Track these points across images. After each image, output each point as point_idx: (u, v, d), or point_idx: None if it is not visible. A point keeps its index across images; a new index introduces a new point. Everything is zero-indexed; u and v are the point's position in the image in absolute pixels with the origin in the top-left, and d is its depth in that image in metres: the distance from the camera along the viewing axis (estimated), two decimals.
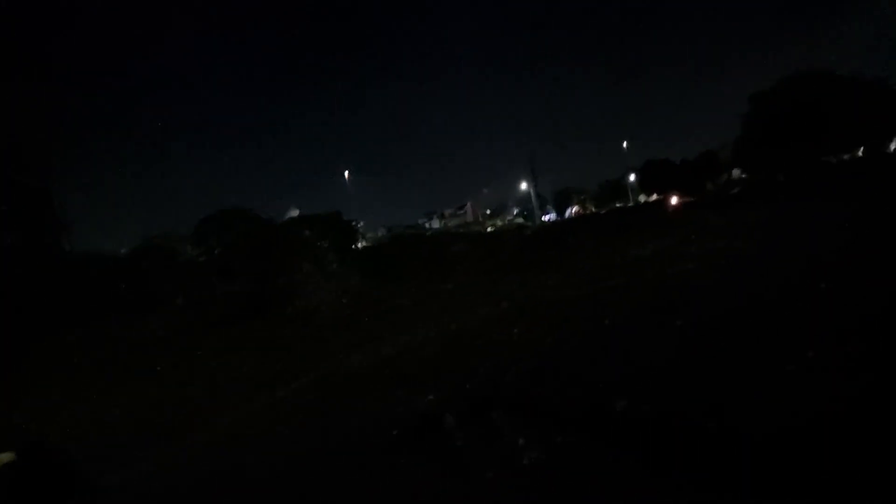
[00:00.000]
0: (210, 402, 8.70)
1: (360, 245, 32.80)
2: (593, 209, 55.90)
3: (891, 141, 35.06)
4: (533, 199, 60.80)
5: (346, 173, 51.71)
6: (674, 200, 33.77)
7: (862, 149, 35.26)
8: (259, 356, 11.55)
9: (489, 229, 47.61)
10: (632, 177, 55.91)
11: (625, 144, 78.60)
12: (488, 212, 72.75)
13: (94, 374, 13.73)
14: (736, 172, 43.72)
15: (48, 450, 7.73)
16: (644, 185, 51.27)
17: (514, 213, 67.86)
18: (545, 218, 57.82)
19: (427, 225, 63.60)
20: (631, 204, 50.04)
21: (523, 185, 63.16)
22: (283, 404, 7.89)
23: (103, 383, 12.14)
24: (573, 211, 59.81)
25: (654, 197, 44.98)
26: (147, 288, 23.70)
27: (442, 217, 69.76)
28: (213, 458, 6.33)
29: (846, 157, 35.03)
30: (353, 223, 34.28)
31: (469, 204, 72.46)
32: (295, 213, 44.26)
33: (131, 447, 7.22)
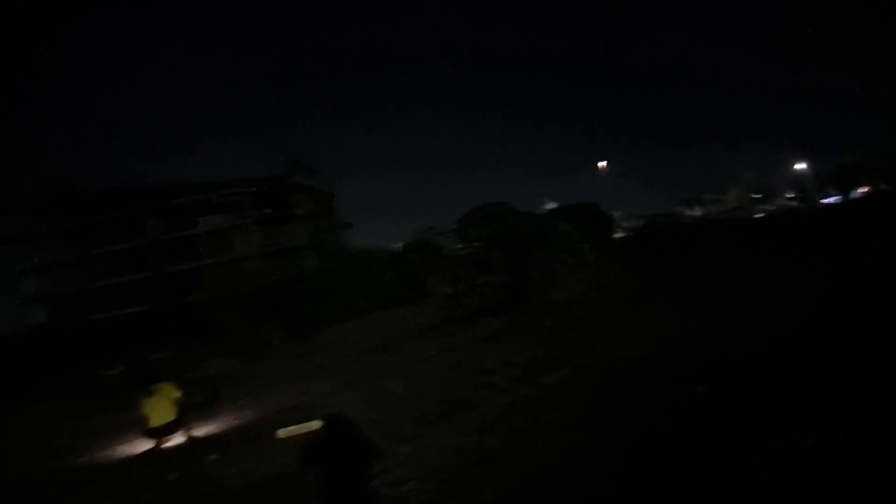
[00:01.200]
0: (478, 387, 9.35)
1: (616, 235, 32.28)
2: (884, 187, 48.56)
3: None
4: (807, 179, 54.69)
5: (604, 163, 51.13)
6: None
7: None
8: (519, 345, 12.07)
9: (757, 215, 43.86)
10: None
11: None
12: (755, 196, 66.95)
13: (375, 358, 15.44)
14: None
15: (347, 420, 9.01)
16: None
17: (786, 195, 61.60)
18: (827, 200, 51.61)
19: (686, 212, 60.46)
20: None
21: (798, 165, 57.03)
22: (549, 391, 8.21)
23: (382, 366, 13.63)
24: (861, 191, 52.57)
25: None
26: (417, 279, 25.80)
27: (702, 203, 65.82)
28: (481, 441, 6.84)
29: None
30: (610, 213, 33.83)
31: (733, 188, 67.31)
32: (552, 205, 44.82)
33: (410, 425, 8.05)
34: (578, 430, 6.34)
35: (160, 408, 10.33)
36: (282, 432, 8.96)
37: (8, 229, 51.94)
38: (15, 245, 51.91)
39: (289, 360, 19.26)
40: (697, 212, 62.51)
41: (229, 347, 22.43)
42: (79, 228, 50.27)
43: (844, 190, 54.85)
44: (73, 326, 39.99)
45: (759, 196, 66.13)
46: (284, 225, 48.47)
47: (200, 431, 10.80)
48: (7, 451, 12.43)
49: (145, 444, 10.40)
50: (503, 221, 31.39)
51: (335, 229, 53.01)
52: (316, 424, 8.95)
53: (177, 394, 10.62)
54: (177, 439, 10.38)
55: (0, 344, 37.35)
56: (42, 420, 16.89)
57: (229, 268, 43.26)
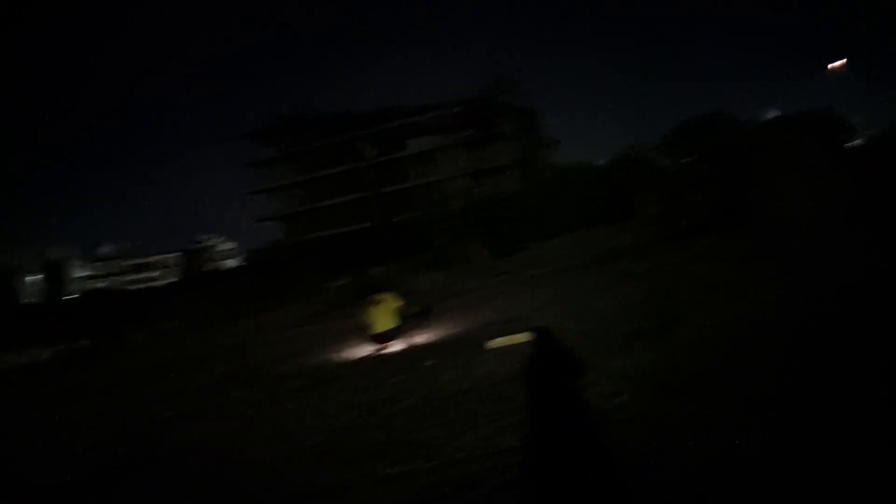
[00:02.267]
0: (690, 306, 8.95)
1: (853, 144, 28.55)
2: None
3: None
4: None
5: (839, 63, 44.99)
6: None
7: None
8: (734, 265, 11.30)
9: None
10: None
11: None
12: None
13: (580, 275, 15.35)
14: None
15: (554, 334, 9.15)
16: None
17: None
18: None
19: None
20: None
21: None
22: (770, 312, 7.64)
23: (588, 284, 13.52)
24: None
25: None
26: (624, 197, 24.99)
27: None
28: (694, 359, 6.58)
29: None
30: (845, 120, 29.89)
31: None
32: (774, 114, 40.86)
33: (620, 340, 7.95)
34: (801, 355, 5.84)
35: (383, 316, 11.24)
36: (491, 343, 9.30)
37: (244, 155, 58.22)
38: (251, 169, 58.19)
39: (495, 276, 19.83)
40: None
41: (439, 264, 23.59)
42: (304, 153, 55.04)
43: None
44: (301, 243, 44.33)
45: None
46: (489, 145, 49.15)
47: (417, 340, 11.57)
48: (255, 352, 14.25)
49: (368, 349, 11.40)
50: (717, 134, 29.14)
51: (539, 147, 52.65)
52: (524, 337, 9.18)
53: (397, 304, 11.46)
54: (396, 346, 11.25)
55: (244, 259, 42.67)
56: (281, 325, 19.12)
57: (436, 188, 45.06)
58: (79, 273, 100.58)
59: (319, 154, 54.38)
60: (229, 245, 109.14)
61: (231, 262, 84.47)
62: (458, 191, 32.78)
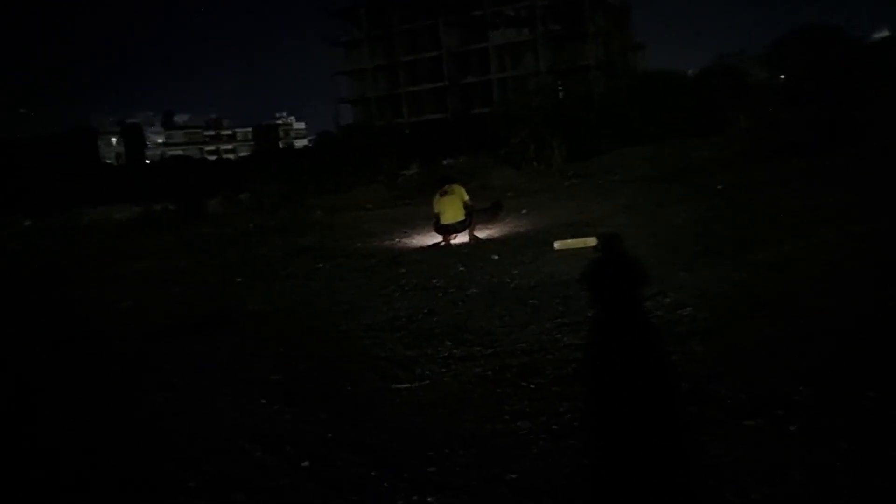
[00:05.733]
0: (771, 227, 8.70)
1: None
2: None
3: None
4: None
5: None
6: None
7: None
8: (827, 189, 10.80)
9: None
10: None
11: None
12: None
13: (657, 186, 14.97)
14: None
15: (623, 241, 9.08)
16: None
17: None
18: None
19: None
20: None
21: None
22: (857, 241, 7.36)
23: (665, 195, 13.19)
24: None
25: None
26: (713, 109, 23.89)
27: None
28: (767, 280, 6.46)
29: None
30: None
31: None
32: (886, 34, 37.99)
33: (691, 254, 7.83)
34: (882, 288, 5.66)
35: (452, 207, 11.31)
36: (558, 244, 9.31)
37: (326, 35, 57.64)
38: (332, 49, 57.75)
39: (569, 178, 19.53)
40: None
41: (512, 161, 23.33)
42: (386, 36, 54.09)
43: None
44: (376, 128, 44.42)
45: None
46: (575, 43, 47.14)
47: (483, 234, 11.68)
48: (326, 230, 14.66)
49: (436, 239, 11.59)
50: (823, 49, 27.21)
51: (627, 49, 50.21)
52: (592, 241, 9.16)
53: (466, 196, 11.49)
54: (463, 238, 11.39)
55: (320, 139, 43.08)
56: (351, 207, 19.52)
57: (517, 83, 43.90)
58: (156, 139, 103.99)
59: (401, 39, 53.38)
60: (300, 125, 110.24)
61: (301, 142, 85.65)
62: (538, 88, 31.78)
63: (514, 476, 3.34)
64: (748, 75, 27.45)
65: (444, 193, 11.51)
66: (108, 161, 77.33)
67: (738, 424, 3.59)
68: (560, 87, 36.93)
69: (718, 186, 13.13)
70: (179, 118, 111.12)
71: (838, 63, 24.60)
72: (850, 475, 2.95)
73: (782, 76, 29.02)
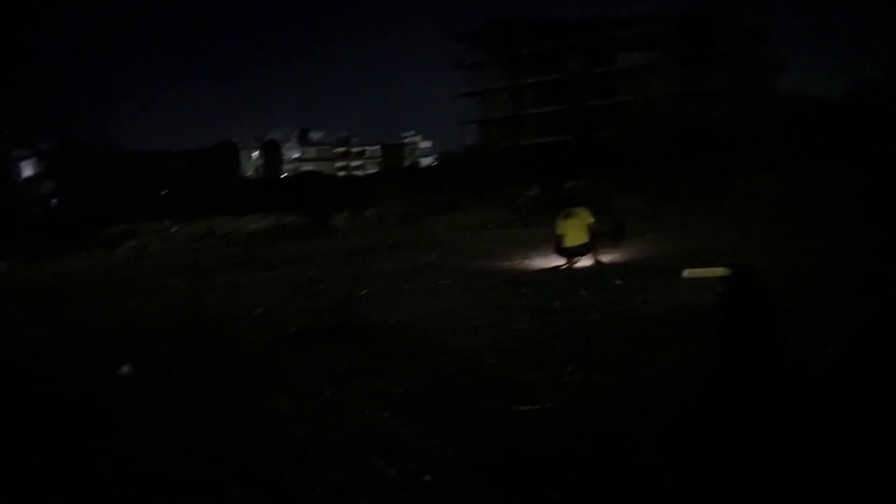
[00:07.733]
0: None
1: None
2: None
3: None
4: None
5: None
6: None
7: None
8: None
9: None
10: None
11: None
12: None
13: (793, 215, 14.14)
14: None
15: (758, 274, 8.61)
16: None
17: None
18: None
19: None
20: None
21: None
22: None
23: (802, 226, 12.45)
24: None
25: None
26: (855, 136, 22.29)
27: None
28: None
29: None
30: None
31: None
32: None
33: (834, 293, 7.34)
34: None
35: (575, 230, 11.20)
36: (687, 272, 8.98)
37: (451, 57, 58.88)
38: (458, 71, 58.87)
39: (695, 205, 18.84)
40: None
41: (637, 184, 22.78)
42: (510, 59, 54.51)
43: None
44: (499, 149, 44.67)
45: None
46: (705, 65, 45.51)
47: (607, 258, 11.45)
48: (448, 249, 14.88)
49: (557, 261, 11.48)
50: None
51: (764, 72, 47.88)
52: (722, 271, 8.73)
53: (590, 219, 11.34)
54: (585, 262, 11.23)
55: (441, 159, 43.89)
56: (473, 227, 19.72)
57: (644, 107, 42.88)
58: (292, 155, 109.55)
59: (526, 62, 53.60)
60: (426, 144, 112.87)
61: (426, 161, 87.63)
62: (666, 112, 30.91)
63: None
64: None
65: (568, 216, 11.40)
66: (248, 174, 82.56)
67: None
68: (689, 111, 35.73)
69: (863, 217, 12.23)
70: (314, 135, 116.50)
71: None
72: None
73: None
